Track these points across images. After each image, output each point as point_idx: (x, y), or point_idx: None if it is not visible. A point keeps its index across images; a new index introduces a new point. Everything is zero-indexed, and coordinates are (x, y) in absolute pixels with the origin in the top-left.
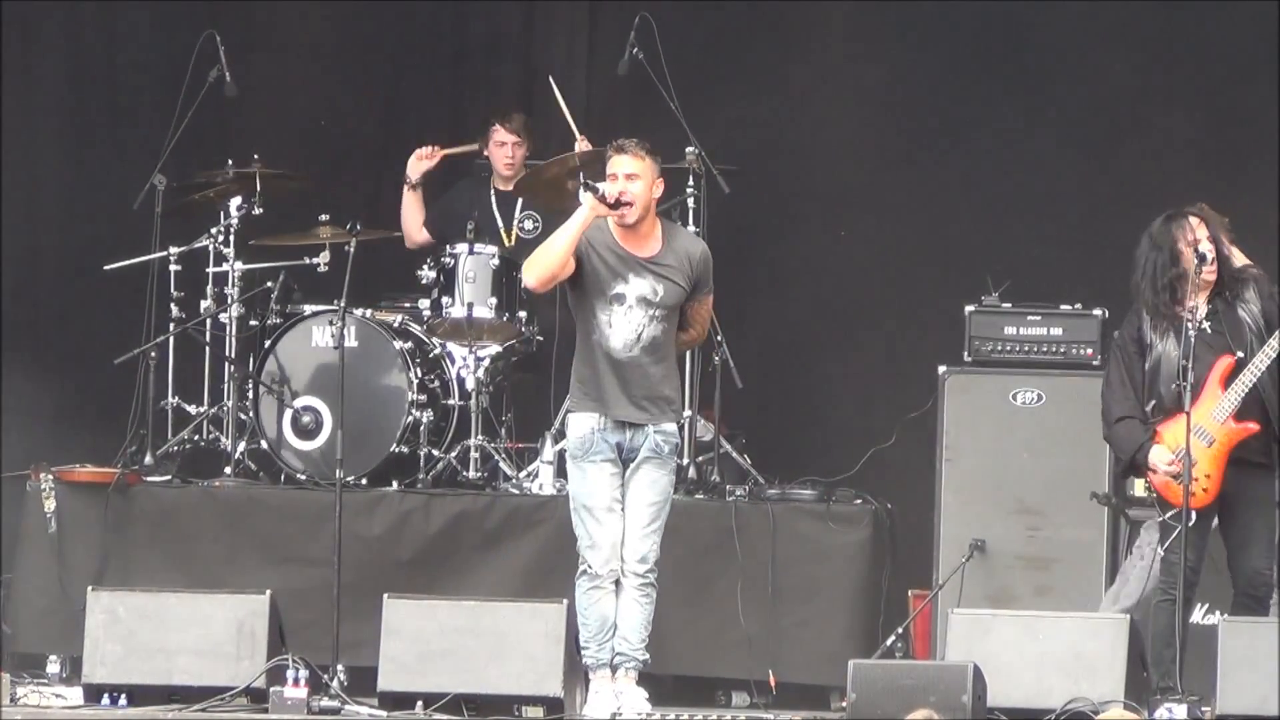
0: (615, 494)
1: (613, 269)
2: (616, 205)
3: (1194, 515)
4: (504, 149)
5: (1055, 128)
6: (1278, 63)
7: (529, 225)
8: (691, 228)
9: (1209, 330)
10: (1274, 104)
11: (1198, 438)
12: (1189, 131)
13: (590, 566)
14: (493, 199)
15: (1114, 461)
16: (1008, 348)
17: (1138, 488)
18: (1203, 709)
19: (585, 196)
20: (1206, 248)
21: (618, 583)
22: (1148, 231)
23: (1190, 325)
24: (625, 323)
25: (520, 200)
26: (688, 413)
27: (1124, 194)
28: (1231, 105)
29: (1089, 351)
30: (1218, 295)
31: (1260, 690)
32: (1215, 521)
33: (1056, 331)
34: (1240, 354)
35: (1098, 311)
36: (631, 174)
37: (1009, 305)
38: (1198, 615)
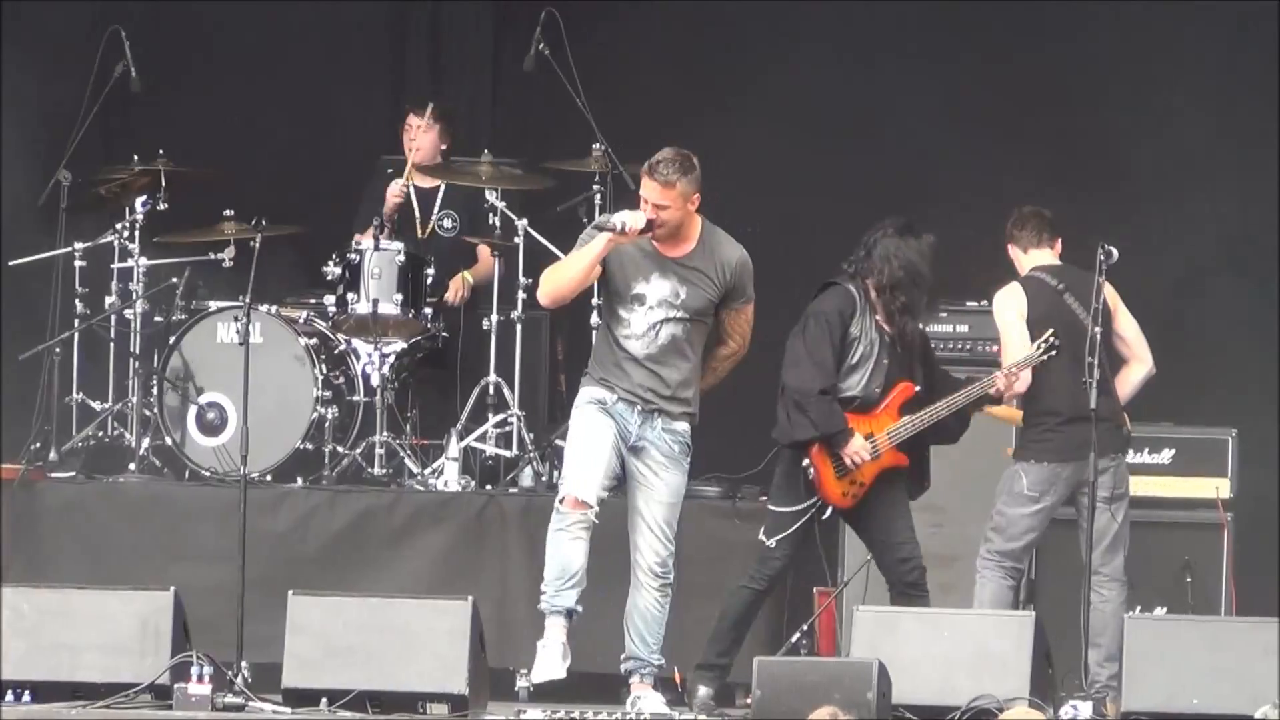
0: (606, 439)
1: (637, 267)
2: (648, 227)
3: (829, 511)
4: (408, 133)
5: (1051, 128)
6: (1278, 63)
7: (447, 224)
8: None
9: (898, 350)
10: (1274, 105)
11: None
12: (1189, 132)
13: (561, 502)
14: (412, 191)
15: (788, 424)
16: None
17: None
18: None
19: (601, 237)
20: None
21: (648, 590)
22: (908, 238)
23: (898, 342)
24: (644, 323)
25: (441, 197)
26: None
27: (1115, 194)
28: (1230, 107)
29: (996, 349)
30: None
31: (1166, 687)
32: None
33: (963, 328)
34: (919, 388)
35: None
36: (660, 205)
37: None
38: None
